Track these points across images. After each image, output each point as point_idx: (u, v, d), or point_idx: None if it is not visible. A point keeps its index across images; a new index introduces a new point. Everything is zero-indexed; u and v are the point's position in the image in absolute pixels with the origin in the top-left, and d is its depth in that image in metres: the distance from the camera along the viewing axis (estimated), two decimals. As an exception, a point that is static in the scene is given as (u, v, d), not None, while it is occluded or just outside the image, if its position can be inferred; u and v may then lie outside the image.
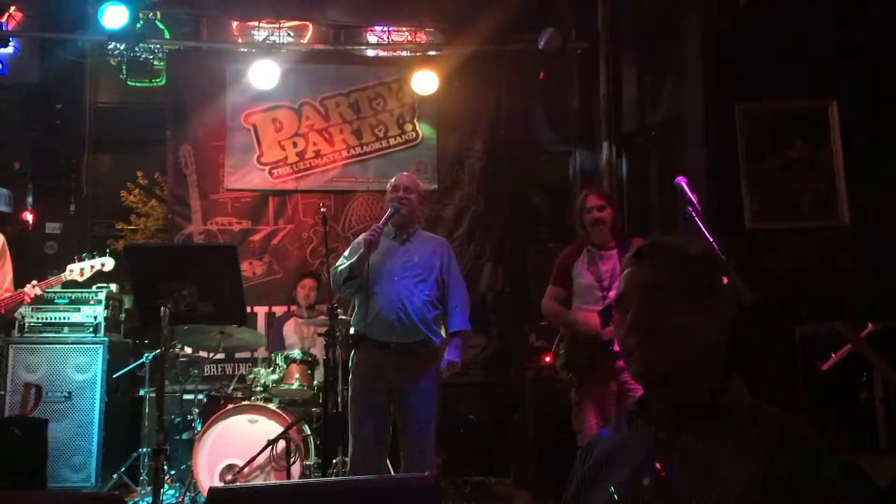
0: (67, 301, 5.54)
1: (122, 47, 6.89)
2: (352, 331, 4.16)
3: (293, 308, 6.02)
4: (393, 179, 4.26)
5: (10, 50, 6.51)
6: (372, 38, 7.18)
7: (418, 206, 4.25)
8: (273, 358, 5.10)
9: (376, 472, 3.97)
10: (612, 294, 4.04)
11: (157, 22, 6.94)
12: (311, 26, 7.04)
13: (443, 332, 4.18)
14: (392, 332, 3.98)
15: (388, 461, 4.30)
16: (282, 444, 4.55)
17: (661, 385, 1.41)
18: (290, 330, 5.74)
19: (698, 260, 1.44)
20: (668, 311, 1.37)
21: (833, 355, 3.86)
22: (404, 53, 7.04)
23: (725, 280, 1.43)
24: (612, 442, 1.48)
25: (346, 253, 4.22)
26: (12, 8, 6.29)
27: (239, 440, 4.70)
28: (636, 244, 4.21)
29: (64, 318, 5.51)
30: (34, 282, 4.55)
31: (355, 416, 4.01)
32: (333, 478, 4.45)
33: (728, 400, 1.36)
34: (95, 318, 5.53)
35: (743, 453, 1.27)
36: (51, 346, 5.40)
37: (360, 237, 4.18)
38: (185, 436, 5.26)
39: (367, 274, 3.95)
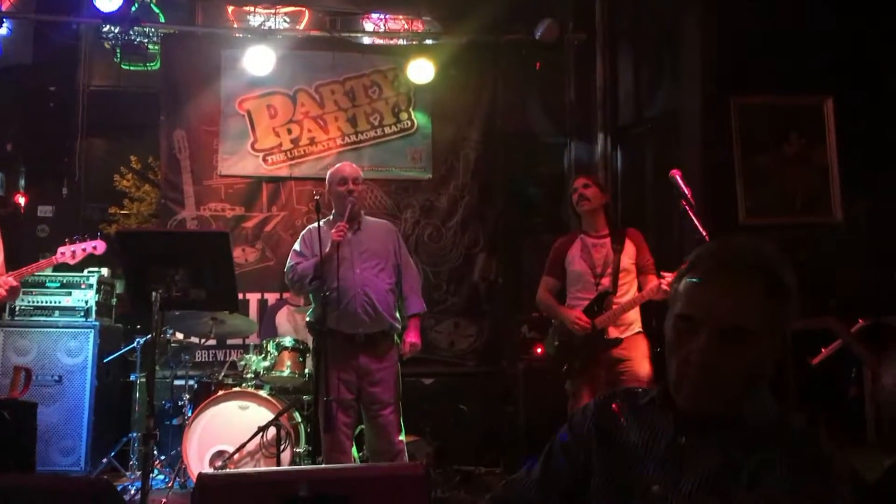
0: (59, 285, 5.52)
1: (116, 30, 6.84)
2: (310, 319, 4.16)
3: (286, 296, 6.01)
4: (336, 172, 4.21)
5: (3, 31, 6.44)
6: (368, 26, 7.15)
7: (365, 193, 4.23)
8: (264, 345, 5.09)
9: (349, 460, 3.98)
10: (604, 281, 4.05)
11: (152, 5, 6.90)
12: (307, 12, 7.01)
13: (399, 318, 4.18)
14: (359, 324, 3.98)
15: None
16: (272, 430, 4.55)
17: (706, 417, 1.33)
18: (283, 318, 5.74)
19: (790, 293, 1.32)
20: (741, 356, 1.29)
21: (823, 350, 3.89)
22: (400, 42, 7.01)
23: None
24: (625, 420, 1.44)
25: (298, 248, 4.19)
26: (6, -12, 6.24)
27: (229, 426, 4.70)
28: (630, 233, 4.23)
29: (55, 302, 5.49)
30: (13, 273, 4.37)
31: (328, 408, 3.93)
32: (323, 465, 4.46)
33: (747, 412, 1.31)
34: (87, 302, 5.51)
35: (763, 467, 1.24)
36: (41, 329, 5.38)
37: (305, 232, 4.21)
38: (175, 421, 5.26)
39: (331, 269, 3.91)
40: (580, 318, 3.99)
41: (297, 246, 4.22)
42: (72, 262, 4.61)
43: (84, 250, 4.63)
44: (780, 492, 1.20)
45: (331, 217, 4.26)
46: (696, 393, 1.31)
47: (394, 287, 4.13)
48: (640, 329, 4.08)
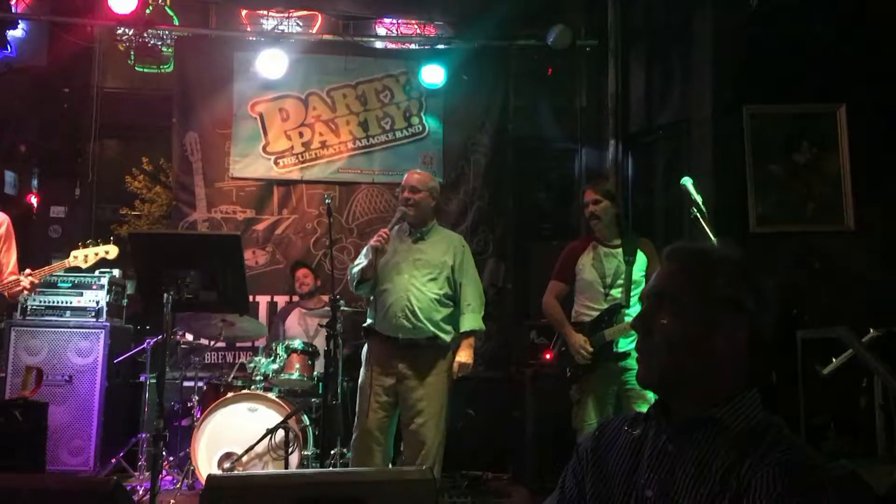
0: (70, 285, 5.54)
1: (130, 33, 6.90)
2: (365, 324, 4.16)
3: (296, 298, 6.02)
4: (405, 178, 4.17)
5: (19, 33, 6.51)
6: (381, 30, 7.18)
7: (429, 203, 4.11)
8: (274, 347, 5.10)
9: (376, 463, 3.96)
10: (613, 293, 4.02)
11: (166, 8, 6.94)
12: (320, 16, 7.04)
13: (452, 330, 4.10)
14: (399, 329, 3.96)
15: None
16: (280, 433, 4.56)
17: (657, 391, 1.42)
18: (293, 322, 5.74)
19: (715, 271, 1.38)
20: (664, 320, 1.37)
21: (834, 360, 3.86)
22: (413, 46, 7.03)
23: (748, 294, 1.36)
24: (625, 436, 1.47)
25: (364, 251, 4.17)
26: (22, -10, 6.29)
27: (238, 428, 4.70)
28: (642, 244, 4.20)
29: (66, 302, 5.51)
30: (28, 270, 4.45)
31: (360, 406, 3.99)
32: (331, 469, 4.46)
33: (725, 414, 1.33)
34: (98, 302, 5.53)
35: (749, 473, 1.25)
36: (52, 329, 5.40)
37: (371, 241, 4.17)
38: (184, 423, 5.28)
39: (378, 273, 4.00)
40: (584, 349, 3.94)
41: (364, 251, 4.18)
42: (84, 266, 4.64)
43: (97, 255, 4.66)
44: (766, 498, 1.20)
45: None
46: (642, 362, 1.42)
47: (443, 298, 4.02)
48: None
